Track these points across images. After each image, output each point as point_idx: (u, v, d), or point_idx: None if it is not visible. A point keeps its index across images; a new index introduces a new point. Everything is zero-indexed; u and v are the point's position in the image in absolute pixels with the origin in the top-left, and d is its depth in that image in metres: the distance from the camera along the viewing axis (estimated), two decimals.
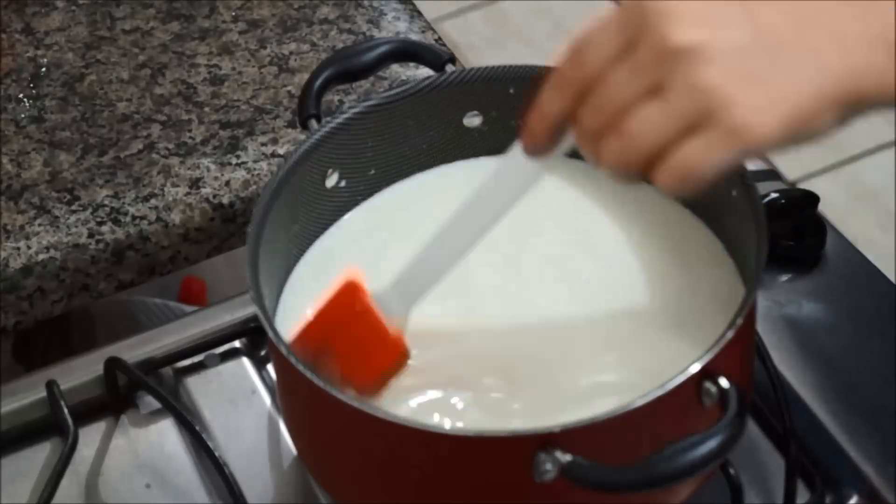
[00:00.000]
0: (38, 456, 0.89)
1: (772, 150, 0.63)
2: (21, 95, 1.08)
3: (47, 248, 0.97)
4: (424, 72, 0.90)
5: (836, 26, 0.63)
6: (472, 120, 0.89)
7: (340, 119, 0.85)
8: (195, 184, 1.01)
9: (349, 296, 0.76)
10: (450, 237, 0.74)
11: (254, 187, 1.00)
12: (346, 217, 0.88)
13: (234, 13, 1.14)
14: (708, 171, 0.63)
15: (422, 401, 0.77)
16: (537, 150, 0.69)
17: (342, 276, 0.76)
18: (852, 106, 0.63)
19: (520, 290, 0.83)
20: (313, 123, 0.86)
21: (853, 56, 0.63)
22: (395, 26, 1.12)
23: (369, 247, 0.86)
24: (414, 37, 1.10)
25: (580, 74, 0.65)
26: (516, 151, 0.70)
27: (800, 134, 0.63)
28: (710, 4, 0.63)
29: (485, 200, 0.73)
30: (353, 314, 0.76)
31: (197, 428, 0.86)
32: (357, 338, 0.76)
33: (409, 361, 0.77)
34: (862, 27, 0.63)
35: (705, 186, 0.64)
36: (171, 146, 1.03)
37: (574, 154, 0.89)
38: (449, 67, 0.88)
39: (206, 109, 1.06)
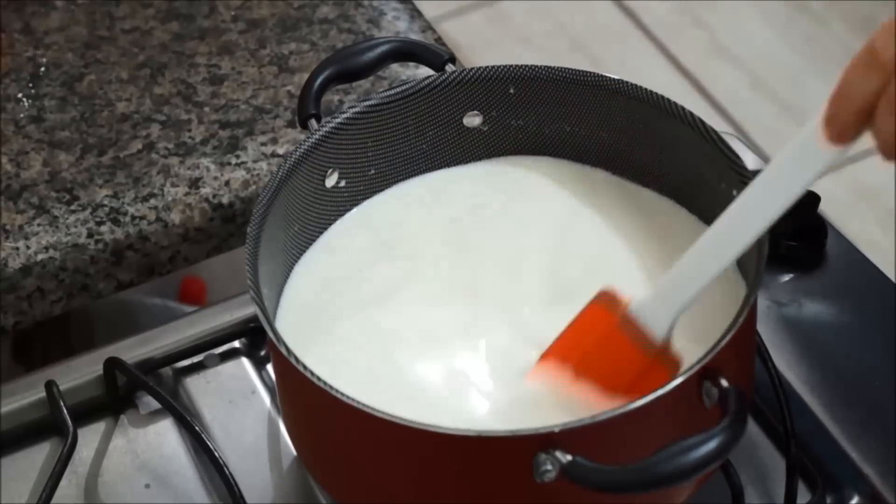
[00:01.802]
0: (38, 456, 0.89)
1: None
2: (20, 95, 1.08)
3: (46, 248, 0.97)
4: (424, 72, 0.90)
5: None
6: (472, 120, 0.89)
7: (340, 119, 0.85)
8: (195, 184, 1.00)
9: (599, 313, 0.73)
10: (720, 238, 0.70)
11: (253, 187, 1.00)
12: (346, 217, 0.88)
13: (233, 13, 1.14)
14: None
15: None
16: (843, 138, 0.63)
17: (598, 291, 0.73)
18: None
19: (518, 294, 0.83)
20: (313, 123, 0.86)
21: None
22: (395, 26, 1.12)
23: (370, 247, 0.86)
24: (414, 36, 1.10)
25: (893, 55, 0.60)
26: (798, 145, 0.66)
27: None
28: None
29: (760, 202, 0.68)
30: (612, 328, 0.72)
31: (196, 428, 0.86)
32: (609, 362, 0.72)
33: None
34: None
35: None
36: (170, 146, 1.03)
37: (567, 156, 0.89)
38: (449, 67, 0.88)
39: (206, 109, 1.06)
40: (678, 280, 0.72)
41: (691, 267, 0.72)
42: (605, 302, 0.75)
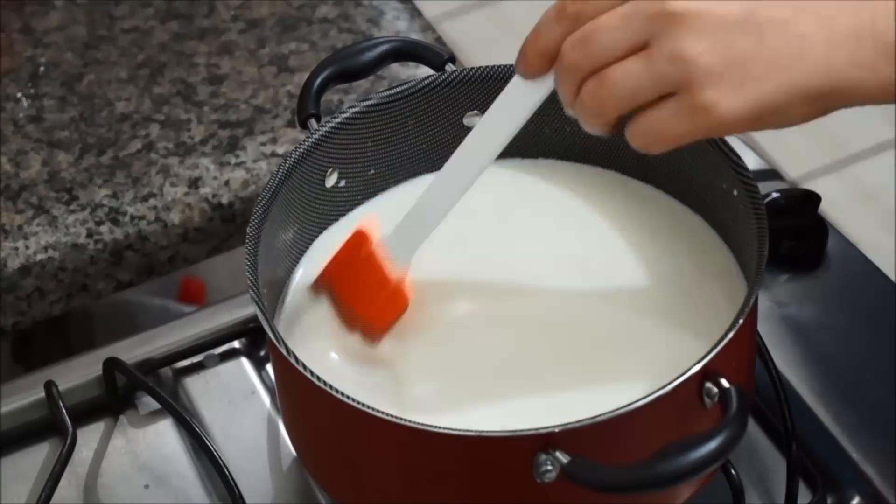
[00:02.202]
0: (37, 456, 0.89)
1: (737, 132, 0.65)
2: (19, 95, 1.08)
3: (46, 249, 0.97)
4: (424, 71, 0.89)
5: (828, 16, 0.63)
6: (472, 120, 0.89)
7: (340, 119, 0.85)
8: (194, 183, 1.00)
9: (358, 241, 0.80)
10: (449, 177, 0.77)
11: (253, 187, 1.00)
12: (346, 217, 0.88)
13: (233, 12, 1.14)
14: (672, 139, 0.65)
15: (419, 393, 0.77)
16: (528, 74, 0.71)
17: (357, 224, 0.81)
18: (827, 100, 0.64)
19: (517, 293, 0.83)
20: (313, 123, 0.85)
21: (838, 48, 0.63)
22: (395, 25, 1.12)
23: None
24: (414, 36, 1.10)
25: (580, 10, 0.67)
26: (511, 86, 0.73)
27: (768, 121, 0.64)
28: None
29: (482, 138, 0.75)
30: (359, 260, 0.80)
31: (196, 428, 0.86)
32: (362, 283, 0.80)
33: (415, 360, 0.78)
34: (853, 22, 0.63)
35: (668, 151, 0.66)
36: (170, 146, 1.03)
37: (569, 156, 0.89)
38: (449, 67, 0.88)
39: (206, 109, 1.06)
40: (414, 220, 0.79)
41: (425, 208, 0.78)
42: (359, 238, 0.81)
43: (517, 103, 0.73)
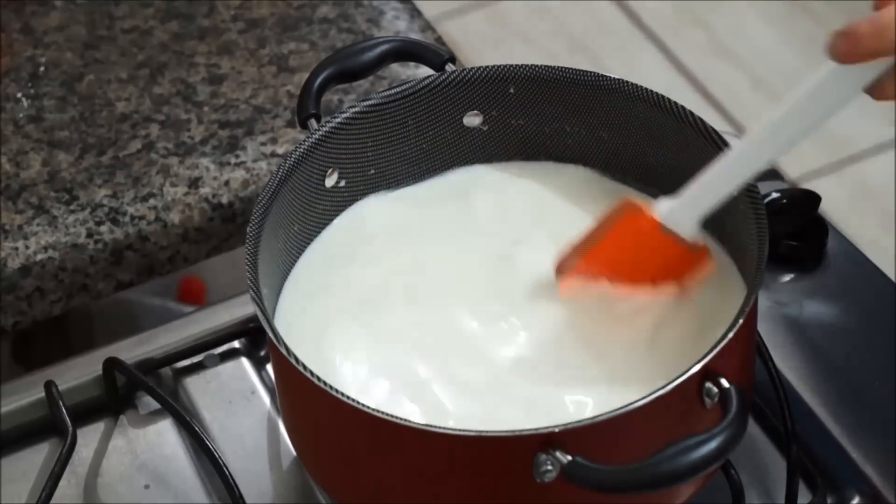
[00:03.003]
0: (37, 456, 0.89)
1: None
2: (19, 95, 1.08)
3: (46, 249, 0.97)
4: (424, 71, 0.89)
5: None
6: (472, 120, 0.89)
7: (340, 119, 0.85)
8: (194, 183, 1.00)
9: (634, 216, 0.78)
10: (744, 152, 0.75)
11: (253, 187, 1.00)
12: (346, 217, 0.88)
13: (233, 12, 1.13)
14: None
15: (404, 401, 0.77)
16: (849, 56, 0.68)
17: (620, 204, 0.78)
18: None
19: (516, 294, 0.83)
20: (313, 123, 0.86)
21: None
22: (395, 25, 1.12)
23: (369, 247, 0.86)
24: (414, 36, 1.10)
25: None
26: (831, 72, 0.70)
27: None
28: None
29: (786, 117, 0.73)
30: (642, 234, 0.78)
31: (196, 428, 0.86)
32: (651, 256, 0.78)
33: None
34: None
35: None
36: (170, 146, 1.03)
37: (568, 160, 0.89)
38: (449, 67, 0.88)
39: (206, 109, 1.06)
40: (703, 189, 0.77)
41: (717, 177, 0.76)
42: (632, 210, 0.79)
43: (835, 90, 0.70)
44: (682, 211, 0.77)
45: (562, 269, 0.81)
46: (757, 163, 0.75)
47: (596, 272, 0.79)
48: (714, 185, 0.77)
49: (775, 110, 0.73)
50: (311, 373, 0.72)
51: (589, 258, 0.80)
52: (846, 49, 0.68)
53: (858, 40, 0.67)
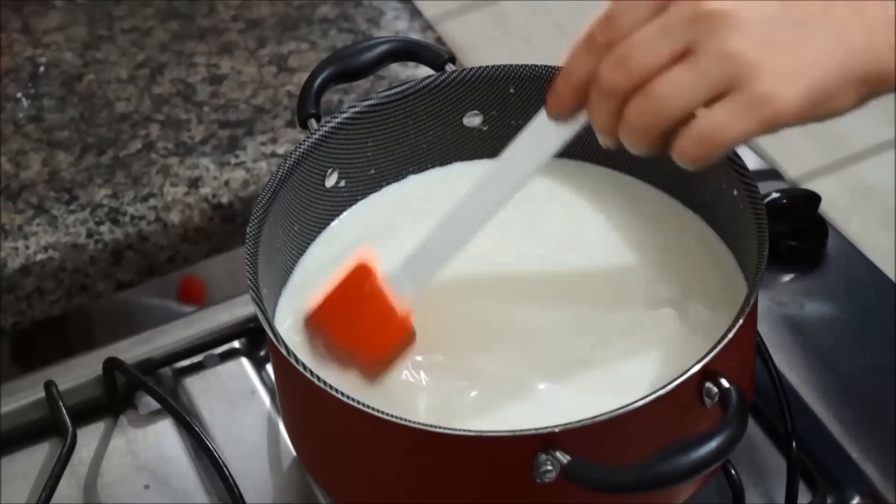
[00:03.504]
0: (37, 456, 0.89)
1: (792, 124, 0.63)
2: (19, 95, 1.08)
3: (46, 249, 0.97)
4: (424, 71, 0.89)
5: (859, 5, 0.63)
6: (472, 120, 0.89)
7: (340, 119, 0.85)
8: (194, 183, 1.00)
9: (360, 276, 0.77)
10: (463, 214, 0.75)
11: (253, 187, 1.00)
12: (346, 216, 0.88)
13: (233, 12, 1.13)
14: (730, 140, 0.63)
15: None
16: (561, 114, 0.69)
17: (354, 257, 0.77)
18: (873, 85, 0.64)
19: (517, 293, 0.83)
20: (313, 123, 0.85)
21: (875, 34, 0.63)
22: (395, 25, 1.12)
23: (369, 247, 0.86)
24: (414, 36, 1.10)
25: (611, 36, 0.65)
26: (536, 124, 0.71)
27: (821, 109, 0.63)
28: None
29: (501, 175, 0.73)
30: (363, 294, 0.76)
31: (196, 428, 0.86)
32: (366, 318, 0.77)
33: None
34: (882, 7, 0.63)
35: (722, 157, 0.64)
36: (170, 146, 1.03)
37: (570, 155, 0.89)
38: (449, 67, 0.88)
39: (206, 109, 1.06)
40: (424, 255, 0.76)
41: (437, 243, 0.76)
42: (361, 272, 0.77)
43: (544, 142, 0.71)
44: (403, 272, 0.76)
45: (308, 320, 0.79)
46: (472, 223, 0.74)
47: (322, 323, 0.78)
48: (434, 252, 0.76)
49: (492, 164, 0.73)
50: (311, 373, 0.72)
51: (318, 310, 0.78)
52: (554, 105, 0.70)
53: (558, 92, 0.69)
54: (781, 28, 0.63)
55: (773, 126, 0.63)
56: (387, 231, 0.87)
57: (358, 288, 0.77)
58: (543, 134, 0.71)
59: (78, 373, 0.91)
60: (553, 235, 0.86)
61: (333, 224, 0.87)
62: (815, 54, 0.63)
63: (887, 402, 0.85)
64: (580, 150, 0.89)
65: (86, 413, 0.90)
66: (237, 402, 0.90)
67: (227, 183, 1.01)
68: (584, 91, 0.67)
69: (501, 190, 0.73)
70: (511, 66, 0.87)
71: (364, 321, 0.77)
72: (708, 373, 0.70)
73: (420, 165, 0.89)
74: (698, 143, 0.64)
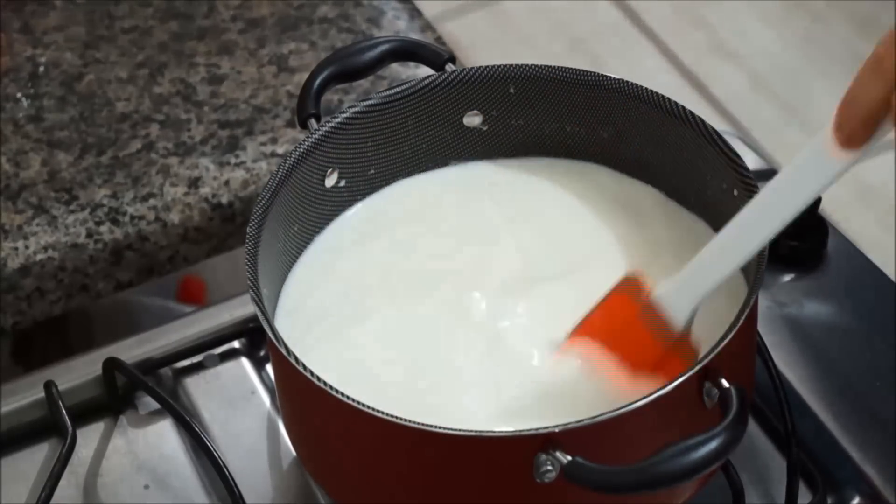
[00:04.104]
0: (37, 456, 0.89)
1: None
2: (19, 95, 1.08)
3: (46, 249, 0.97)
4: (424, 71, 0.89)
5: None
6: (472, 119, 0.89)
7: (340, 119, 0.85)
8: (194, 183, 1.00)
9: (628, 293, 0.76)
10: (737, 235, 0.73)
11: (253, 187, 1.00)
12: (346, 216, 0.88)
13: (232, 12, 1.13)
14: None
15: None
16: (851, 144, 0.66)
17: (622, 276, 0.76)
18: None
19: (516, 293, 0.83)
20: (313, 123, 0.85)
21: None
22: (395, 25, 1.12)
23: (370, 246, 0.86)
24: (414, 36, 1.10)
25: None
26: (817, 145, 0.68)
27: None
28: None
29: (778, 200, 0.71)
30: (633, 314, 0.75)
31: (196, 428, 0.86)
32: (637, 338, 0.75)
33: None
34: None
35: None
36: (169, 146, 1.03)
37: (568, 155, 0.89)
38: (449, 67, 0.88)
39: (205, 109, 1.06)
40: (699, 270, 0.74)
41: (713, 258, 0.74)
42: (630, 288, 0.76)
43: (827, 168, 0.68)
44: (678, 293, 0.75)
45: (573, 333, 0.78)
46: (753, 242, 0.72)
47: (590, 340, 0.77)
48: (708, 267, 0.74)
49: (767, 187, 0.71)
50: (311, 373, 0.72)
51: (583, 326, 0.77)
52: (844, 138, 0.66)
53: (846, 123, 0.65)
54: None
55: None
56: (387, 231, 0.87)
57: (627, 305, 0.75)
58: (823, 162, 0.68)
59: (78, 373, 0.91)
60: (549, 235, 0.86)
61: (333, 224, 0.87)
62: None
63: (887, 402, 0.85)
64: (577, 151, 0.89)
65: (86, 413, 0.90)
66: (237, 402, 0.90)
67: (227, 183, 1.01)
68: (877, 119, 0.64)
69: (776, 217, 0.71)
70: (511, 66, 0.87)
71: (636, 341, 0.75)
72: (708, 373, 0.70)
73: (420, 165, 0.89)
74: None
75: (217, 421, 0.89)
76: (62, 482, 0.85)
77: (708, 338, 0.72)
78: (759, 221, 0.72)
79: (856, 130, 0.65)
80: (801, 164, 0.69)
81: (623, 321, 0.76)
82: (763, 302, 0.90)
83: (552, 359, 0.77)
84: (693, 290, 0.74)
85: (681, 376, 0.69)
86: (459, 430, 0.70)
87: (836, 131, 0.66)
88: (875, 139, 0.66)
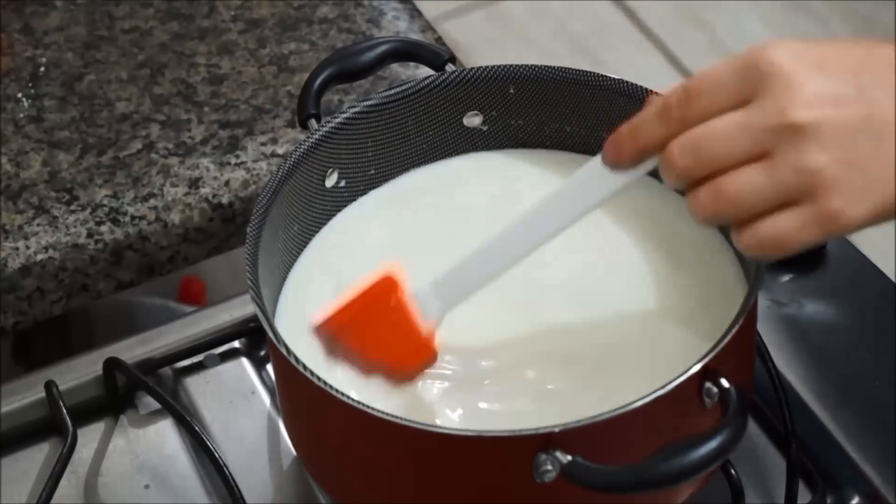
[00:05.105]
0: (37, 456, 0.89)
1: (854, 232, 0.66)
2: (20, 95, 1.08)
3: (46, 249, 0.97)
4: (424, 72, 0.90)
5: None
6: (472, 120, 0.89)
7: (340, 119, 0.85)
8: (194, 184, 1.00)
9: (386, 289, 0.75)
10: (503, 244, 0.74)
11: (253, 187, 1.00)
12: (346, 216, 0.88)
13: (233, 13, 1.13)
14: (794, 247, 0.65)
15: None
16: (619, 166, 0.69)
17: (381, 269, 0.76)
18: None
19: (517, 292, 0.83)
20: (313, 123, 0.86)
21: None
22: (395, 26, 1.12)
23: (370, 246, 0.86)
24: (414, 36, 1.10)
25: (687, 113, 0.66)
26: (589, 167, 0.70)
27: (881, 221, 0.66)
28: (828, 80, 0.64)
29: (545, 214, 0.72)
30: (387, 308, 0.75)
31: (196, 428, 0.86)
32: (388, 331, 0.75)
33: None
34: None
35: (780, 257, 0.66)
36: (170, 146, 1.03)
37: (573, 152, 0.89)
38: (449, 67, 0.88)
39: (206, 109, 1.06)
40: (455, 279, 0.75)
41: (470, 268, 0.75)
42: (387, 285, 0.76)
43: (597, 186, 0.70)
44: (430, 296, 0.75)
45: (321, 323, 0.77)
46: (510, 256, 0.74)
47: (340, 330, 0.76)
48: (465, 278, 0.75)
49: (535, 203, 0.72)
50: (312, 373, 0.72)
51: (336, 316, 0.76)
52: (613, 155, 0.69)
53: (621, 145, 0.68)
54: (860, 141, 0.63)
55: (834, 235, 0.65)
56: (387, 231, 0.87)
57: (383, 300, 0.75)
58: (596, 178, 0.70)
59: (78, 372, 0.91)
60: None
61: (333, 224, 0.87)
62: (886, 171, 0.64)
63: (887, 402, 0.85)
64: (578, 149, 0.89)
65: (86, 413, 0.90)
66: (237, 402, 0.90)
67: (227, 183, 1.01)
68: (648, 153, 0.67)
69: (544, 229, 0.72)
70: (511, 66, 0.87)
71: (386, 334, 0.76)
72: (708, 373, 0.70)
73: (420, 165, 0.89)
74: (760, 243, 0.65)
75: (217, 421, 0.89)
76: (62, 482, 0.85)
77: (708, 338, 0.72)
78: (525, 235, 0.73)
79: (627, 156, 0.68)
80: (578, 181, 0.71)
81: (376, 314, 0.76)
82: (763, 302, 0.90)
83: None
84: (449, 295, 0.75)
85: (681, 376, 0.69)
86: (459, 430, 0.70)
87: (610, 149, 0.69)
88: (638, 170, 0.69)
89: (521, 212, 0.73)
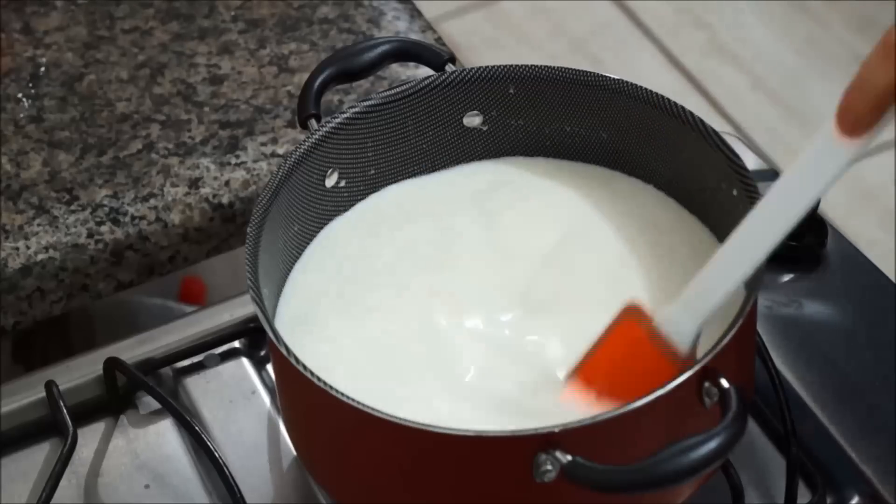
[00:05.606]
0: (38, 456, 0.89)
1: None
2: (20, 95, 1.08)
3: (46, 249, 0.97)
4: (424, 72, 0.90)
5: None
6: (472, 120, 0.89)
7: (340, 119, 0.85)
8: (195, 184, 1.00)
9: (631, 324, 0.73)
10: (741, 245, 0.71)
11: (253, 187, 1.00)
12: (346, 216, 0.88)
13: (233, 13, 1.14)
14: None
15: None
16: (857, 129, 0.65)
17: (622, 307, 0.74)
18: None
19: (514, 293, 0.83)
20: (313, 123, 0.86)
21: None
22: (395, 26, 1.12)
23: (370, 247, 0.86)
24: (414, 36, 1.10)
25: None
26: (818, 144, 0.67)
27: None
28: None
29: (780, 202, 0.69)
30: (634, 342, 0.73)
31: (196, 428, 0.86)
32: (639, 364, 0.73)
33: None
34: None
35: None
36: (170, 146, 1.03)
37: (567, 156, 0.89)
38: (449, 67, 0.88)
39: (206, 109, 1.06)
40: (702, 288, 0.73)
41: (715, 274, 0.72)
42: (632, 316, 0.74)
43: (830, 162, 0.67)
44: (680, 315, 0.73)
45: (572, 376, 0.76)
46: (749, 260, 0.71)
47: (591, 384, 0.74)
48: (712, 284, 0.72)
49: (772, 190, 0.70)
50: (311, 373, 0.72)
51: (585, 369, 0.75)
52: (850, 120, 0.65)
53: (853, 106, 0.64)
54: None
55: None
56: (388, 231, 0.87)
57: (629, 335, 0.73)
58: (828, 154, 0.66)
59: (78, 372, 0.91)
60: (548, 235, 0.86)
61: (333, 224, 0.87)
62: None
63: (887, 402, 0.85)
64: (578, 151, 0.89)
65: (86, 413, 0.90)
66: (237, 402, 0.90)
67: (227, 183, 1.01)
68: (885, 104, 0.63)
69: (783, 217, 0.69)
70: (511, 66, 0.87)
71: (639, 367, 0.73)
72: (707, 373, 0.70)
73: (420, 166, 0.90)
74: None
75: (217, 421, 0.89)
76: (63, 482, 0.85)
77: (708, 338, 0.72)
78: (765, 227, 0.70)
79: (863, 115, 0.64)
80: (808, 160, 0.68)
81: (626, 355, 0.74)
82: (763, 302, 0.90)
83: (557, 399, 0.75)
84: (697, 309, 0.73)
85: (681, 376, 0.69)
86: (459, 430, 0.70)
87: (842, 118, 0.65)
88: (879, 126, 0.65)
89: (756, 208, 0.70)
